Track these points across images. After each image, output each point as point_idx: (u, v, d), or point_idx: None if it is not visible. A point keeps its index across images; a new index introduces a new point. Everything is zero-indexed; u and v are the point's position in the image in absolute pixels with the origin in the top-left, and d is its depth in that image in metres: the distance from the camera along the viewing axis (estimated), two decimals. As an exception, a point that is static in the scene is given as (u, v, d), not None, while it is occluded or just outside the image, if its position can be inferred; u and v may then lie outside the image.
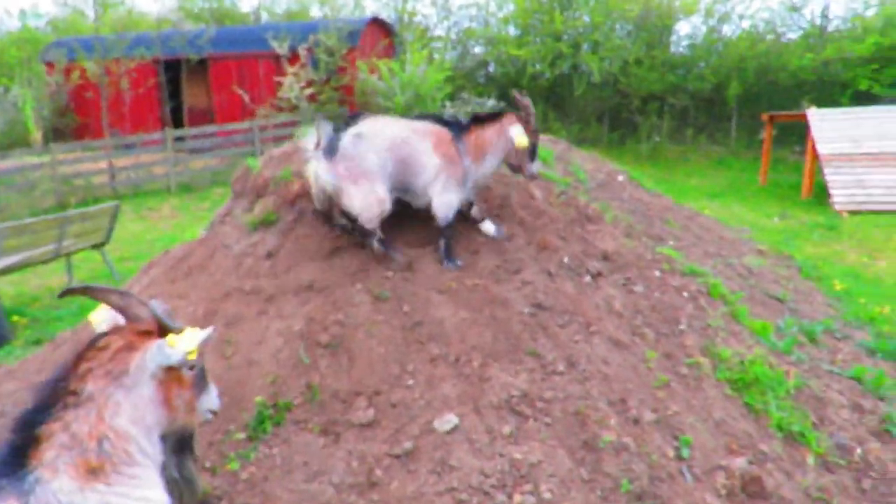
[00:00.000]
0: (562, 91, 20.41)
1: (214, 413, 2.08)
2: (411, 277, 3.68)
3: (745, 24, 20.64)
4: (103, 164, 14.11)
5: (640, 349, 3.57)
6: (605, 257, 4.24)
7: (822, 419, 3.61)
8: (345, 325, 3.31)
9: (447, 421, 2.95)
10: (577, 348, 3.42)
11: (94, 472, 1.67)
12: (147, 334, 1.87)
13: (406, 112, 17.04)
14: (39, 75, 18.00)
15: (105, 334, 1.86)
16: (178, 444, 1.99)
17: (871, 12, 19.08)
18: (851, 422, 3.65)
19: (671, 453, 3.04)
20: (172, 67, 18.32)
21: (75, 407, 1.72)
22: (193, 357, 1.83)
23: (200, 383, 1.97)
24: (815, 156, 12.85)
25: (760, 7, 20.49)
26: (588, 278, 3.94)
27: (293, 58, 17.05)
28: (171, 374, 1.84)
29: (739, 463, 3.04)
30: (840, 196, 11.92)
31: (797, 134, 18.25)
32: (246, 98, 17.16)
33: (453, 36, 22.29)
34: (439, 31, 22.32)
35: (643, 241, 5.40)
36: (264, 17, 23.21)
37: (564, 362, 3.34)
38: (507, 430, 2.96)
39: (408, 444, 2.89)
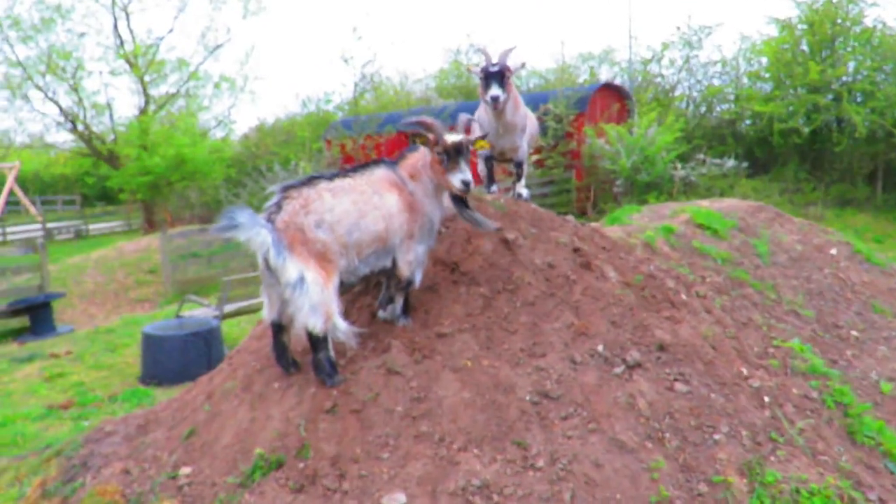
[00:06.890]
0: (821, 148, 17.99)
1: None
2: (432, 354, 3.81)
3: None
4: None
5: (651, 456, 3.18)
6: (662, 347, 3.83)
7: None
8: (350, 394, 3.59)
9: (394, 500, 3.02)
10: (567, 445, 3.19)
11: None
12: None
13: (631, 175, 16.60)
14: (321, 151, 21.77)
15: None
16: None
17: None
18: None
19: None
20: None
21: None
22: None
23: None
24: None
25: None
26: (620, 369, 3.62)
27: (525, 125, 18.03)
28: None
29: None
30: None
31: None
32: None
33: (696, 94, 21.23)
34: (680, 91, 21.44)
35: (762, 332, 4.69)
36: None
37: (547, 458, 3.15)
38: (455, 519, 2.92)
39: (360, 515, 3.03)
